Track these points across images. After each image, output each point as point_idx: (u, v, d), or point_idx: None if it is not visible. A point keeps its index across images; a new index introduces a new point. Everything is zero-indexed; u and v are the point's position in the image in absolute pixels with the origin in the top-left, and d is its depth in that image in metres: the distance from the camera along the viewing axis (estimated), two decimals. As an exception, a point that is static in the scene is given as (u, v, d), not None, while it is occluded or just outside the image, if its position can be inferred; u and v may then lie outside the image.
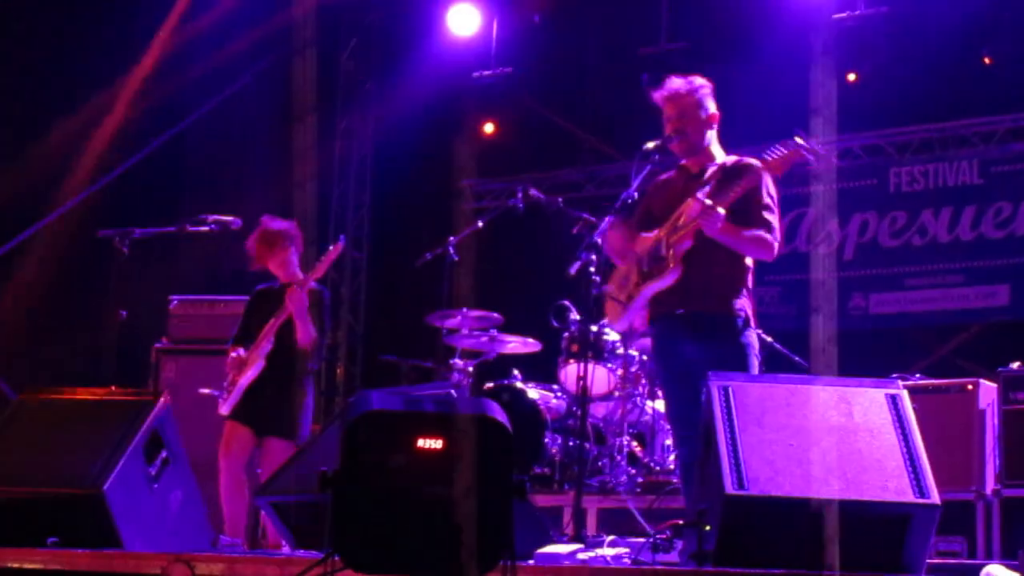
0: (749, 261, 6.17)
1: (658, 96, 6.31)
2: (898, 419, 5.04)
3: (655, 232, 6.21)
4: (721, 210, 5.91)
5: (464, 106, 13.13)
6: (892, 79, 11.16)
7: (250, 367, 7.67)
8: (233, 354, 7.82)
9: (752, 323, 6.14)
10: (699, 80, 6.31)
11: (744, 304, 6.11)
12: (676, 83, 6.29)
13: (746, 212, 6.04)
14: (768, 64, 11.02)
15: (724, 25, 11.52)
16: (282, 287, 7.87)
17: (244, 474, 7.66)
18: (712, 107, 6.26)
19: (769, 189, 6.10)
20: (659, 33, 11.90)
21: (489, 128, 13.30)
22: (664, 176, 6.45)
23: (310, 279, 7.71)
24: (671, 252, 6.06)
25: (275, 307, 7.76)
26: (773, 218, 6.07)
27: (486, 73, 12.90)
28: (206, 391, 8.11)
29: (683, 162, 6.33)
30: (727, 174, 6.14)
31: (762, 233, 6.03)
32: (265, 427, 7.69)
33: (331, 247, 7.74)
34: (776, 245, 6.07)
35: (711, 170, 6.20)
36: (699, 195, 6.01)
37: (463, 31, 12.76)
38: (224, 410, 7.75)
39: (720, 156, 6.28)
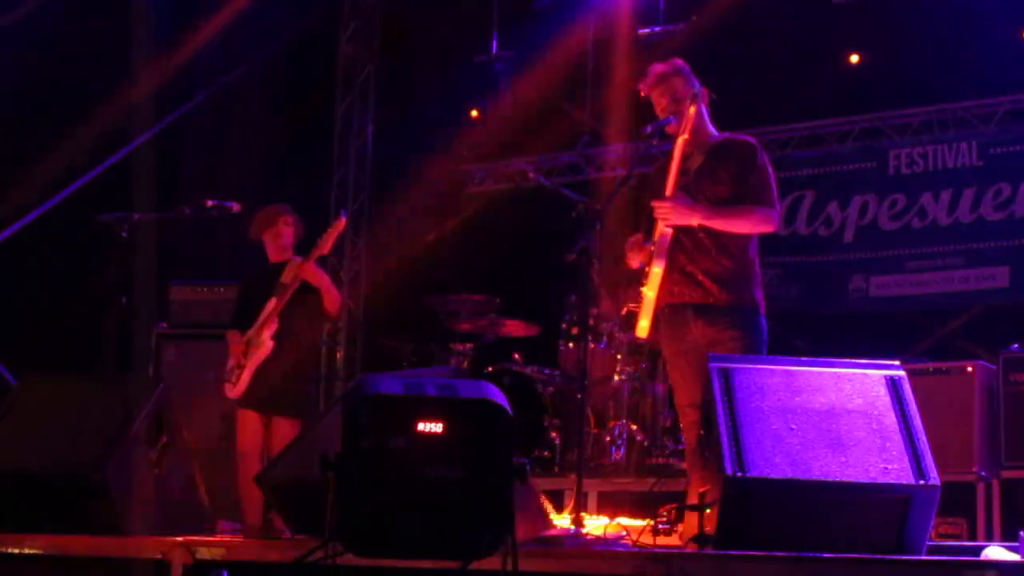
0: (753, 251, 6.16)
1: (645, 85, 6.33)
2: (898, 401, 5.04)
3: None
4: (675, 202, 5.94)
5: (464, 89, 13.10)
6: (891, 60, 11.14)
7: (258, 349, 7.66)
8: (234, 337, 7.81)
9: (762, 310, 6.13)
10: (679, 61, 6.34)
11: (755, 292, 6.10)
12: (659, 68, 6.31)
13: (738, 188, 6.05)
14: (767, 46, 11.00)
15: (722, 6, 11.48)
16: (275, 266, 7.86)
17: (260, 461, 7.65)
18: (697, 85, 6.27)
19: (759, 162, 6.10)
20: (657, 14, 11.87)
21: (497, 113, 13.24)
22: (662, 161, 6.44)
23: (315, 255, 7.71)
24: (654, 248, 6.07)
25: (271, 287, 7.74)
26: (766, 189, 6.08)
27: (486, 56, 12.87)
28: (211, 376, 8.11)
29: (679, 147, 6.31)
30: (715, 153, 6.17)
31: (749, 206, 6.03)
32: (272, 407, 7.69)
33: (333, 223, 7.77)
34: (774, 214, 6.08)
35: (699, 150, 6.21)
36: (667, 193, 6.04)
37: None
38: (233, 394, 7.73)
39: (712, 135, 6.29)
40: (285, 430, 7.57)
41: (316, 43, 13.25)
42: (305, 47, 13.00)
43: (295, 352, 7.72)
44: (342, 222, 7.83)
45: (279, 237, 7.94)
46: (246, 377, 7.68)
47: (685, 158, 6.22)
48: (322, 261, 7.90)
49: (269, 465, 6.63)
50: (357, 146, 13.46)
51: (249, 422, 7.71)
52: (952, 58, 10.79)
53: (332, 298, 7.74)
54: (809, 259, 11.35)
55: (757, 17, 11.16)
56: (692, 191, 6.08)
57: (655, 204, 6.02)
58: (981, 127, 10.95)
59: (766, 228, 6.11)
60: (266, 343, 7.64)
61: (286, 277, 7.75)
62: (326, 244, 7.72)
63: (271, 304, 7.68)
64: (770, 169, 6.14)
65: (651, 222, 6.25)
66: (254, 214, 8.09)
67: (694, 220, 6.00)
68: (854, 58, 11.31)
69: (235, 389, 7.72)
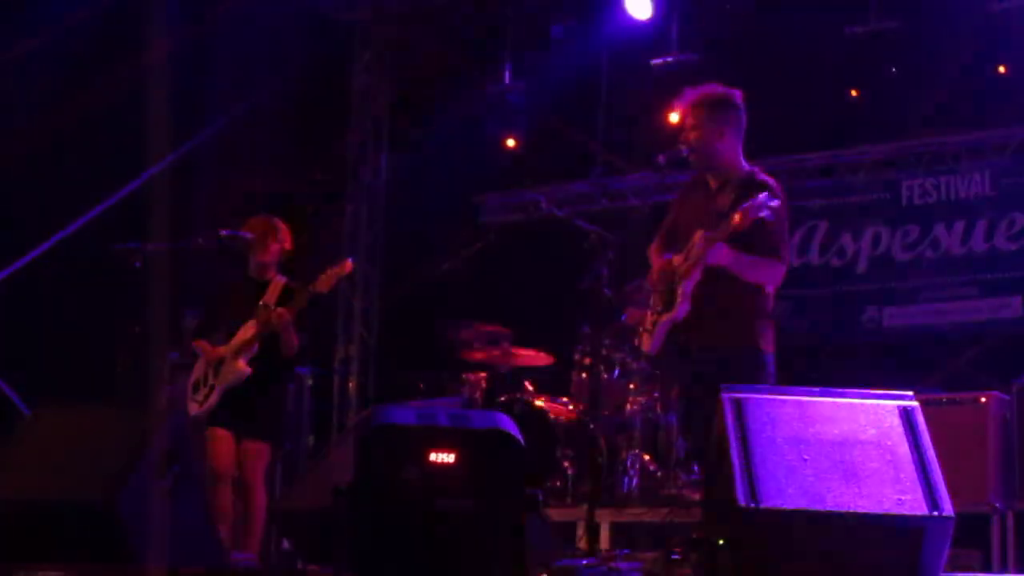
0: (768, 289, 6.15)
1: (678, 107, 6.28)
2: (911, 432, 5.03)
3: (672, 256, 6.19)
4: (721, 245, 5.91)
5: (477, 119, 13.12)
6: (904, 91, 11.14)
7: (232, 373, 7.62)
8: (204, 347, 7.79)
9: (771, 348, 6.10)
10: (716, 90, 6.26)
11: (766, 337, 6.07)
12: (691, 95, 6.25)
13: (752, 234, 6.00)
14: (779, 78, 11.00)
15: (735, 38, 11.51)
16: (254, 283, 7.82)
17: (232, 483, 7.62)
18: (729, 117, 6.20)
19: (777, 210, 6.06)
20: (670, 45, 11.89)
21: (511, 143, 13.23)
22: (688, 187, 6.41)
23: (311, 292, 7.63)
24: (680, 288, 6.04)
25: (245, 301, 7.70)
26: (780, 241, 6.04)
27: (499, 86, 12.90)
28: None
29: (704, 175, 6.27)
30: (742, 189, 6.12)
31: (770, 259, 6.01)
32: (245, 429, 7.65)
33: (338, 264, 7.68)
34: (783, 268, 6.06)
35: (727, 185, 6.17)
36: (706, 233, 5.98)
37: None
38: (198, 411, 7.67)
39: (740, 167, 6.23)
40: (254, 451, 7.56)
41: (329, 73, 13.29)
42: (318, 77, 13.03)
43: (270, 377, 7.69)
44: (347, 265, 7.69)
45: (265, 254, 7.89)
46: (215, 397, 7.65)
47: (709, 194, 6.19)
48: (317, 297, 7.77)
49: (283, 494, 6.63)
50: (370, 176, 13.49)
51: (222, 442, 7.65)
52: (966, 88, 10.80)
53: (288, 344, 7.64)
54: (822, 290, 11.34)
55: (771, 46, 11.18)
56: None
57: (701, 236, 5.97)
58: (994, 157, 10.95)
59: (771, 280, 6.10)
60: (243, 369, 7.60)
61: (269, 298, 7.71)
62: (325, 284, 7.62)
63: (250, 328, 7.64)
64: (783, 216, 6.06)
65: (672, 241, 6.23)
66: (255, 224, 8.02)
67: (723, 261, 5.96)
68: (869, 87, 11.31)
69: (201, 407, 7.68)
